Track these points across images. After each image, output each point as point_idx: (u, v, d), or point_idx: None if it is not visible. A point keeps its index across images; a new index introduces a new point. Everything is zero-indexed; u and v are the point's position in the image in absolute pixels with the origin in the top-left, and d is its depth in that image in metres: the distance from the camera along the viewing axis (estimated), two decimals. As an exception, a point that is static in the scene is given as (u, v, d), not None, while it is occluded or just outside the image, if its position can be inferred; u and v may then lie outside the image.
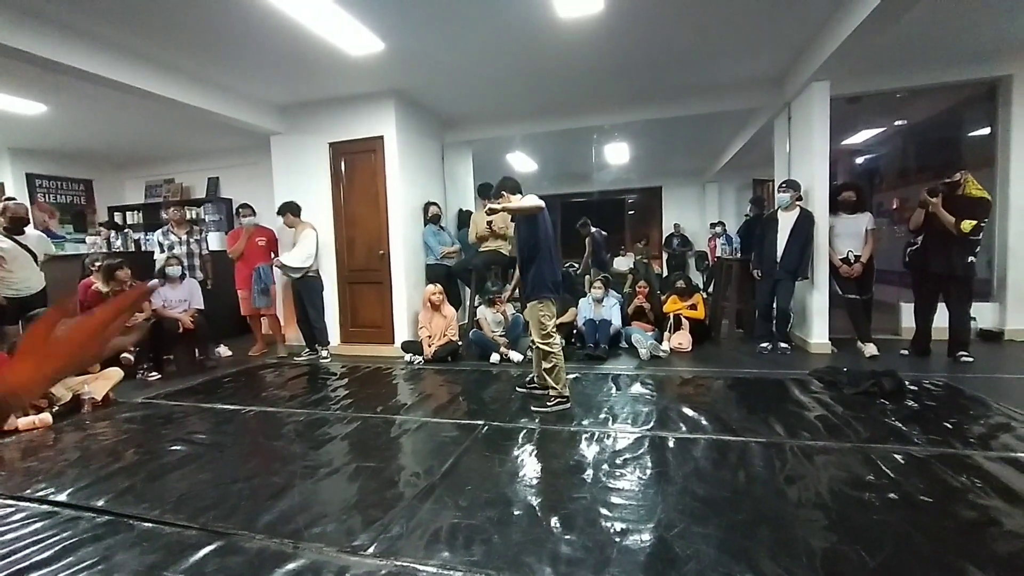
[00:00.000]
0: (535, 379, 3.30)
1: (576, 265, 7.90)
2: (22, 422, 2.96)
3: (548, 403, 3.00)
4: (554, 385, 3.02)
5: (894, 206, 6.37)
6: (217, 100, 4.30)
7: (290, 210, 4.73)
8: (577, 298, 4.93)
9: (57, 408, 3.16)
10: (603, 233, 7.54)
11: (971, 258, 3.64)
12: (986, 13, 3.56)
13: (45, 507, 2.01)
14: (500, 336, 4.48)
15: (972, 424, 2.53)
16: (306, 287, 4.64)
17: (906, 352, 4.00)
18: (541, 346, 3.03)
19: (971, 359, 3.68)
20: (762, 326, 4.46)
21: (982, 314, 4.39)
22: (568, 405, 2.99)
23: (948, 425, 2.51)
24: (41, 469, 2.40)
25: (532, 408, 3.01)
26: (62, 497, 2.08)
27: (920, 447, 2.27)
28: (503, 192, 3.11)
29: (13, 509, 2.00)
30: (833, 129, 4.22)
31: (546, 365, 3.04)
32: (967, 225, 3.53)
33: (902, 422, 2.57)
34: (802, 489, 1.93)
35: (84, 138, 5.89)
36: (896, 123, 6.30)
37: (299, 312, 4.74)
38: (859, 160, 7.25)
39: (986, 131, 4.75)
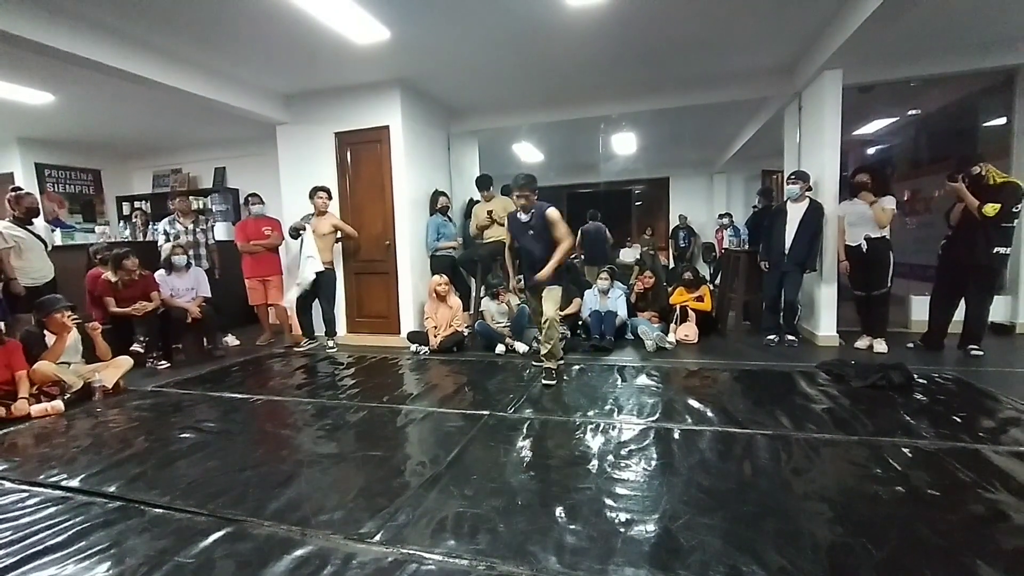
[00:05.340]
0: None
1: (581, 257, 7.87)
2: (35, 409, 3.01)
3: (549, 376, 3.35)
4: (554, 356, 3.42)
5: (905, 197, 6.28)
6: (223, 89, 4.29)
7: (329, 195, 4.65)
8: (582, 289, 4.93)
9: (69, 396, 3.21)
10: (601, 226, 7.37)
11: (999, 248, 3.49)
12: (1003, 0, 3.47)
13: (58, 492, 2.05)
14: (504, 327, 4.48)
15: (981, 418, 2.51)
16: (326, 279, 4.60)
17: (912, 345, 3.96)
18: (556, 320, 3.38)
19: (981, 352, 3.64)
20: (769, 318, 4.44)
21: (994, 307, 4.32)
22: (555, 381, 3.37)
23: (957, 419, 2.49)
24: (54, 455, 2.44)
25: (543, 382, 3.33)
26: (75, 483, 2.12)
27: (928, 440, 2.25)
28: (531, 191, 3.38)
29: (27, 494, 2.04)
30: (845, 119, 4.15)
31: (548, 345, 3.39)
32: (990, 209, 3.39)
33: (910, 415, 2.56)
34: (808, 481, 1.92)
35: (92, 128, 5.91)
36: (910, 113, 6.19)
37: (305, 302, 4.69)
38: (871, 150, 7.14)
39: (1002, 121, 4.66)
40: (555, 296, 3.39)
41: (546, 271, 3.31)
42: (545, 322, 3.37)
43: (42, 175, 6.39)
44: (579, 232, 7.13)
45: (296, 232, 4.53)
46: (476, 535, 1.63)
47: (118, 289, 4.09)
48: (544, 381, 3.33)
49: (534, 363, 3.79)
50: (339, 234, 4.74)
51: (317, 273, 4.49)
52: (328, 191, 4.61)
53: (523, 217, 3.41)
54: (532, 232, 3.38)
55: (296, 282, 4.52)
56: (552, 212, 3.32)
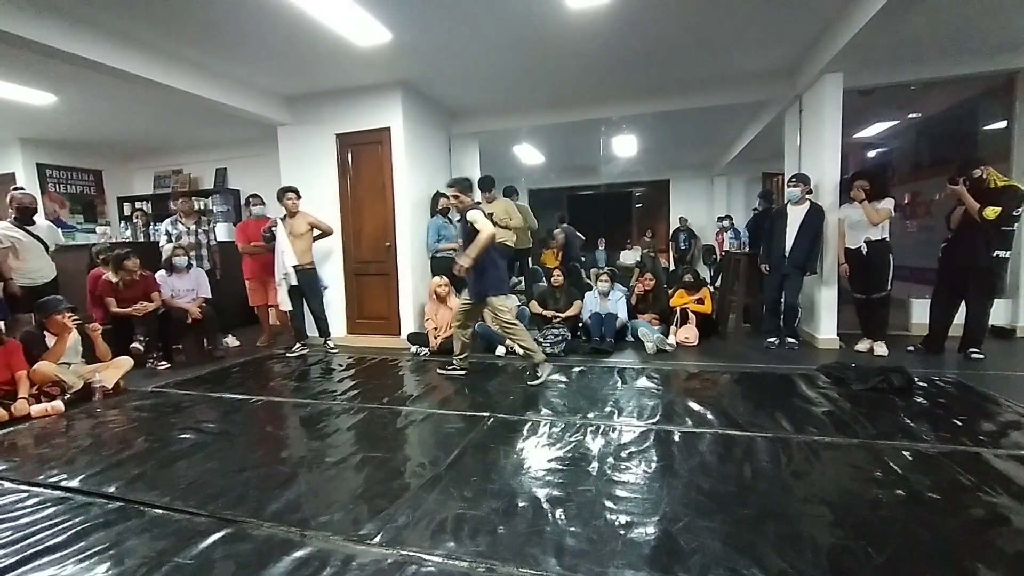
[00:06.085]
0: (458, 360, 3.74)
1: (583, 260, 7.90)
2: (35, 409, 3.01)
3: (539, 374, 3.40)
4: (533, 353, 3.48)
5: (905, 200, 6.28)
6: (225, 90, 4.30)
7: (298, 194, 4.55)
8: (583, 292, 4.93)
9: (69, 396, 3.21)
10: (578, 234, 7.35)
11: (999, 252, 3.50)
12: (1003, 4, 3.48)
13: (58, 493, 2.05)
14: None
15: (982, 421, 2.51)
16: (308, 279, 4.54)
17: (912, 348, 3.96)
18: (509, 329, 3.51)
19: (982, 356, 3.63)
20: (769, 321, 4.43)
21: (994, 310, 4.32)
22: (546, 358, 3.56)
23: (957, 422, 2.49)
24: (54, 456, 2.43)
25: (528, 383, 3.36)
26: (74, 483, 2.12)
27: (929, 444, 2.25)
28: (461, 191, 3.47)
29: (27, 494, 2.04)
30: (845, 122, 4.16)
31: (521, 344, 3.51)
32: (991, 212, 3.39)
33: (911, 418, 2.55)
34: (808, 484, 1.92)
35: (93, 128, 5.93)
36: (910, 116, 6.19)
37: (296, 308, 4.59)
38: (871, 153, 7.15)
39: (1002, 125, 4.67)
40: (497, 306, 3.45)
41: (464, 260, 3.38)
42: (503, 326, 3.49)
43: (43, 175, 6.40)
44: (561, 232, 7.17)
45: (271, 233, 4.48)
46: (476, 537, 1.63)
47: (119, 289, 4.09)
48: (528, 382, 3.38)
49: (439, 371, 3.78)
50: (315, 232, 4.62)
51: (295, 269, 4.39)
52: (296, 191, 4.50)
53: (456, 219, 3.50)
54: (463, 235, 3.46)
55: (279, 280, 4.46)
56: (472, 213, 3.34)
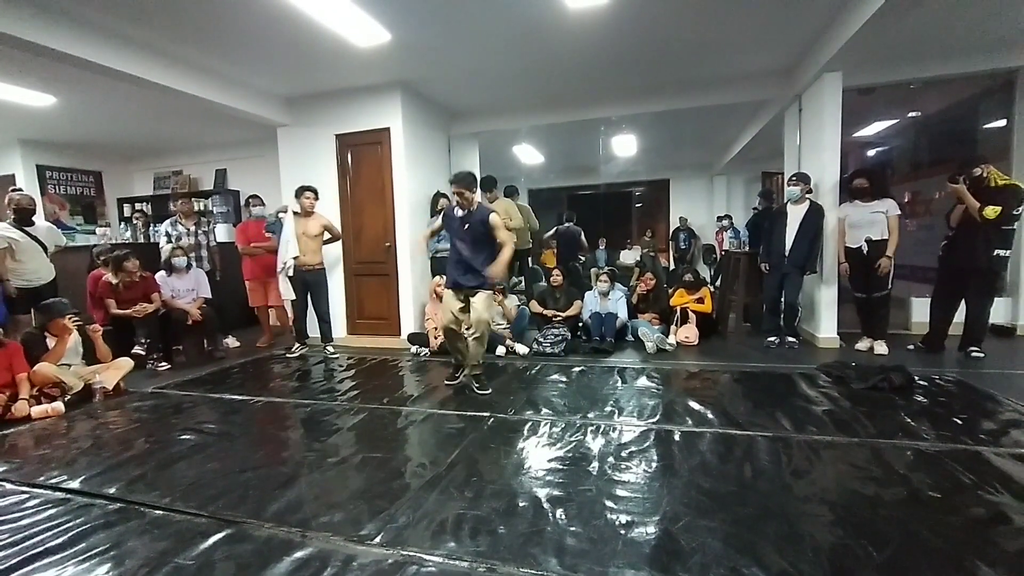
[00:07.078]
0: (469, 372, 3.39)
1: (582, 259, 7.90)
2: (35, 411, 3.01)
3: (487, 384, 3.30)
4: (481, 363, 3.37)
5: (906, 199, 6.28)
6: (224, 92, 4.30)
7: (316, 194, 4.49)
8: (583, 291, 4.93)
9: (69, 397, 3.21)
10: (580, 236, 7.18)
11: (999, 251, 3.50)
12: (1003, 2, 3.48)
13: (58, 494, 2.05)
14: (504, 329, 4.48)
15: (982, 420, 2.51)
16: (316, 280, 4.51)
17: (912, 347, 3.96)
18: (488, 327, 3.31)
19: (982, 355, 3.63)
20: (769, 320, 4.43)
21: (994, 309, 4.31)
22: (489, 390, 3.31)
23: (958, 421, 2.49)
24: (54, 457, 2.44)
25: (477, 392, 3.23)
26: (75, 484, 2.12)
27: (929, 442, 2.25)
28: (468, 188, 3.25)
29: (27, 496, 2.04)
30: (845, 121, 4.16)
31: (481, 349, 3.33)
32: (991, 212, 3.39)
33: (911, 417, 2.55)
34: (809, 484, 1.92)
35: (93, 130, 5.93)
36: (910, 115, 6.19)
37: (299, 308, 4.55)
38: (871, 152, 7.15)
39: (1002, 123, 4.67)
40: (490, 303, 3.35)
41: (496, 270, 3.16)
42: (473, 329, 3.25)
43: (43, 177, 6.40)
44: (554, 231, 7.19)
45: (275, 218, 4.41)
46: (476, 537, 1.63)
47: (119, 291, 4.09)
48: (479, 391, 3.23)
49: (448, 381, 3.47)
50: (326, 236, 4.57)
51: (305, 269, 4.36)
52: (315, 191, 4.43)
53: (459, 213, 3.28)
54: (468, 232, 3.23)
55: (279, 269, 4.41)
56: (494, 218, 3.19)
